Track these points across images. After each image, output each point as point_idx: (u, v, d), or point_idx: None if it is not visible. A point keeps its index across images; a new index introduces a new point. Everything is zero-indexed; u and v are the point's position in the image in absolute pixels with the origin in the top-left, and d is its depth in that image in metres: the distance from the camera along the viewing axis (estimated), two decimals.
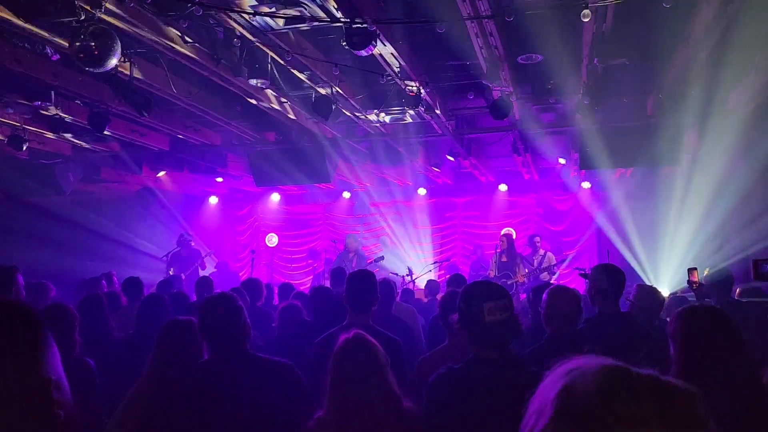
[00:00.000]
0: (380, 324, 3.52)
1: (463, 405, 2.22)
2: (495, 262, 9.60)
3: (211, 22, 4.90)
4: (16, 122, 7.44)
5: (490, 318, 2.22)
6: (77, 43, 4.21)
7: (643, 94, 7.07)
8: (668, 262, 9.92)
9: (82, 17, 4.15)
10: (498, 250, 9.63)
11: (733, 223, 9.81)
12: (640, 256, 10.17)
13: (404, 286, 8.92)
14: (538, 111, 7.66)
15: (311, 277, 12.17)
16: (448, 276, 9.70)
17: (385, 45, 4.93)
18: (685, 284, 5.11)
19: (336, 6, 4.35)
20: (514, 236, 10.89)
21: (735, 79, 6.26)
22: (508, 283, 8.92)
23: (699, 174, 10.12)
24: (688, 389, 0.71)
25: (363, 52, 4.69)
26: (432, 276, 10.57)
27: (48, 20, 4.60)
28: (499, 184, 11.60)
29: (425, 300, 7.10)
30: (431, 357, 3.26)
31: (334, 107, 6.55)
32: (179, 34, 4.87)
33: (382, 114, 7.42)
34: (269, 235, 13.21)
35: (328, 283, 7.83)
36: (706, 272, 4.81)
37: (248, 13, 4.41)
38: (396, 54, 5.21)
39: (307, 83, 6.11)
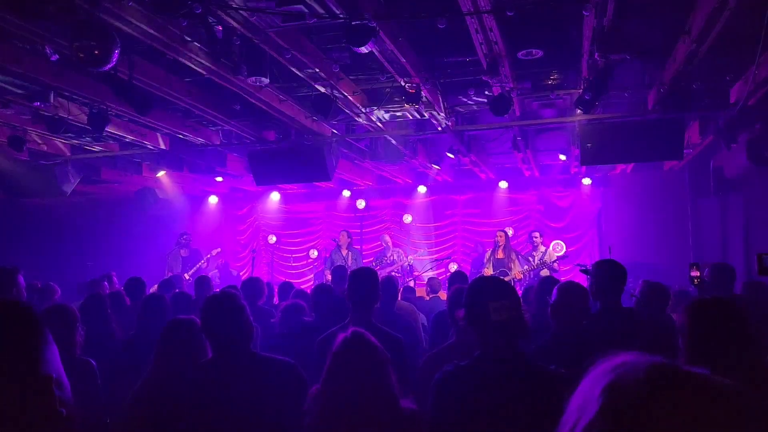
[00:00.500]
0: (383, 322, 3.51)
1: (470, 402, 2.20)
2: (489, 259, 9.60)
3: (211, 20, 4.88)
4: (16, 123, 7.44)
5: (496, 317, 2.20)
6: (76, 43, 4.20)
7: (643, 89, 7.05)
8: (670, 258, 9.92)
9: (82, 17, 4.14)
10: (493, 247, 9.65)
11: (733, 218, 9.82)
12: (642, 251, 10.17)
13: (405, 284, 8.93)
14: (539, 107, 7.64)
15: (312, 275, 12.18)
16: (448, 274, 9.71)
17: (384, 42, 4.92)
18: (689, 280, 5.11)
19: (335, 3, 4.33)
20: (510, 233, 10.91)
21: (736, 72, 6.26)
22: (505, 279, 8.91)
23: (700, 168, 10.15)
24: (737, 388, 0.69)
25: (362, 49, 4.68)
26: (432, 274, 10.58)
27: (47, 19, 4.59)
28: (500, 180, 11.60)
29: (427, 298, 7.09)
30: (439, 354, 3.26)
31: (333, 105, 6.54)
32: (178, 32, 4.85)
33: (382, 111, 7.40)
34: (270, 235, 13.21)
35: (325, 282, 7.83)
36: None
37: (247, 10, 4.39)
38: (395, 51, 5.19)
39: (306, 81, 6.09)
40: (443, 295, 7.05)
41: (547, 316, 3.37)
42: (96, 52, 4.17)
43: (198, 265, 10.04)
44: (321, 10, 4.43)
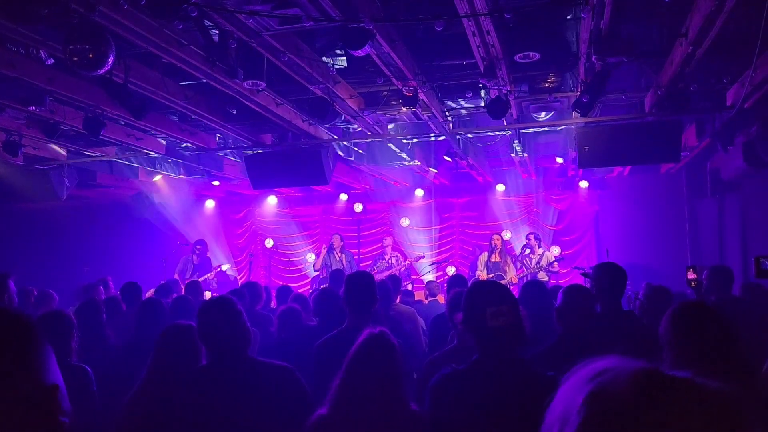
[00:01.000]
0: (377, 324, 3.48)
1: (466, 406, 2.19)
2: (484, 262, 9.59)
3: (206, 23, 4.86)
4: (11, 127, 7.40)
5: (493, 323, 2.19)
6: (71, 47, 4.18)
7: (640, 92, 7.06)
8: (667, 260, 9.93)
9: (76, 20, 4.12)
10: (488, 250, 9.64)
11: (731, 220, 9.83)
12: (639, 254, 10.17)
13: (403, 288, 8.91)
14: (536, 109, 7.64)
15: (309, 279, 12.14)
16: (446, 277, 9.70)
17: (381, 45, 4.91)
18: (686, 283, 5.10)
19: (332, 5, 4.32)
20: (508, 236, 10.91)
21: (733, 75, 6.26)
22: (502, 283, 8.89)
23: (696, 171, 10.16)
24: (726, 391, 0.68)
25: (359, 52, 4.66)
26: (431, 277, 10.56)
27: (41, 23, 4.56)
28: (497, 183, 11.59)
29: (426, 302, 7.07)
30: (440, 357, 3.25)
31: (330, 109, 6.52)
32: (174, 36, 4.83)
33: (379, 115, 7.39)
34: (267, 239, 13.17)
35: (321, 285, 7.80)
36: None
37: (243, 13, 4.37)
38: (392, 54, 5.18)
39: (303, 84, 6.07)
40: (442, 298, 7.02)
41: (538, 322, 3.37)
42: (90, 55, 4.15)
43: (205, 277, 10.03)
44: (317, 13, 4.41)
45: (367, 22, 4.38)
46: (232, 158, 9.94)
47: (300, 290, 9.34)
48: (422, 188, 12.04)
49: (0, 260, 8.96)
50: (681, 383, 0.68)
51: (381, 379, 2.23)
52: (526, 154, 9.11)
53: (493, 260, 9.55)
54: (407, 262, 10.76)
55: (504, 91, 6.09)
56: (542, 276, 9.38)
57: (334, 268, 9.34)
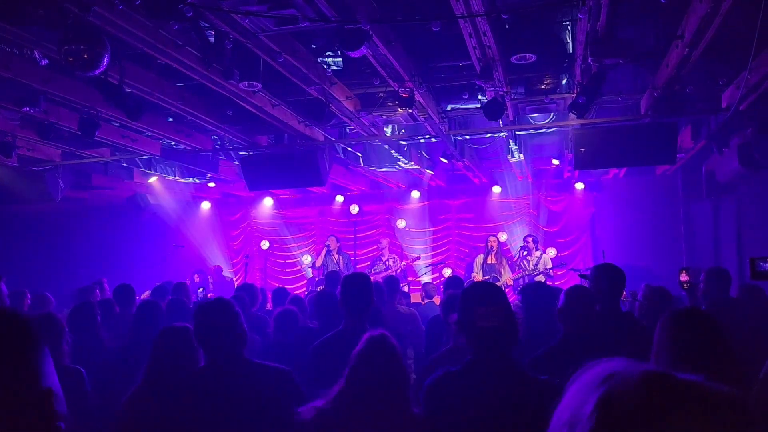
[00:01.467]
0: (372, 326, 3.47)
1: (459, 408, 2.20)
2: (480, 264, 9.59)
3: (202, 24, 4.84)
4: (5, 128, 7.36)
5: (482, 324, 2.20)
6: (66, 47, 4.16)
7: (636, 93, 7.07)
8: (663, 262, 9.94)
9: (71, 21, 4.09)
10: (484, 252, 9.65)
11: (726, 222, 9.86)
12: (635, 255, 10.19)
13: (400, 289, 8.89)
14: (532, 111, 7.65)
15: (305, 281, 12.12)
16: (443, 279, 9.69)
17: (377, 46, 4.90)
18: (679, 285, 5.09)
19: (328, 6, 4.31)
20: (504, 238, 10.91)
21: (729, 77, 6.28)
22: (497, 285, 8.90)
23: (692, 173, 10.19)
24: (737, 395, 0.67)
25: (356, 53, 4.66)
26: (428, 279, 10.56)
27: (36, 24, 4.54)
28: (493, 185, 11.60)
29: (423, 303, 7.06)
30: (437, 359, 3.26)
31: (326, 110, 6.51)
32: (170, 37, 4.81)
33: (375, 116, 7.38)
34: (263, 241, 13.15)
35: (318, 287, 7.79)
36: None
37: (239, 14, 4.36)
38: (389, 55, 5.17)
39: (299, 86, 6.06)
40: (438, 300, 7.01)
41: (534, 323, 3.36)
42: (85, 56, 4.13)
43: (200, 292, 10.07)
44: (313, 14, 4.40)
45: (364, 23, 4.38)
46: (228, 159, 9.92)
47: (296, 292, 9.33)
48: (418, 190, 12.03)
49: None
50: (693, 387, 0.67)
51: (383, 381, 2.24)
52: (522, 156, 9.12)
53: (488, 262, 9.56)
54: (404, 263, 10.76)
55: (500, 93, 6.09)
56: (540, 278, 9.38)
57: (330, 269, 9.33)
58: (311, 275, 11.29)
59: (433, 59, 6.14)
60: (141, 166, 9.66)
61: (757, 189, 8.66)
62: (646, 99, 6.90)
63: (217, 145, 9.03)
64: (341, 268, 9.84)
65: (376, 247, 11.58)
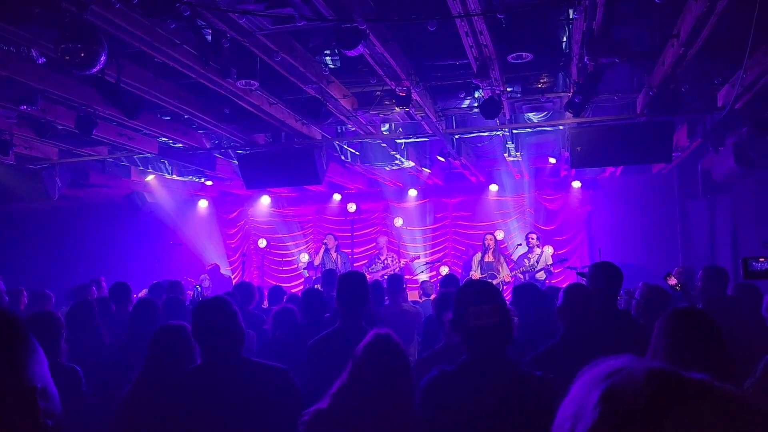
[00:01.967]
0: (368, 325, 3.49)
1: (455, 407, 2.20)
2: (477, 262, 9.62)
3: (199, 23, 4.85)
4: (2, 127, 7.35)
5: (476, 322, 2.19)
6: (63, 46, 4.16)
7: (632, 92, 7.10)
8: (659, 260, 9.97)
9: (68, 19, 4.10)
10: (482, 250, 9.67)
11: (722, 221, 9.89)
12: (631, 253, 10.22)
13: None
14: (529, 110, 7.67)
15: (302, 280, 12.13)
16: (440, 277, 9.71)
17: (374, 45, 4.91)
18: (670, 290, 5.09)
19: (325, 5, 4.32)
20: (501, 236, 10.94)
21: (724, 76, 6.31)
22: (494, 283, 8.94)
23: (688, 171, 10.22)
24: (741, 394, 0.68)
25: (353, 52, 4.67)
26: (425, 277, 10.58)
27: (33, 22, 4.54)
28: (490, 184, 11.62)
29: (421, 301, 7.09)
30: (428, 359, 3.24)
31: (323, 108, 6.52)
32: (167, 35, 4.82)
33: (372, 115, 7.39)
34: (260, 239, 13.15)
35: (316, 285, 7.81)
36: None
37: (236, 12, 4.36)
38: (386, 54, 5.18)
39: (296, 84, 6.07)
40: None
41: (526, 323, 3.37)
42: (83, 54, 4.13)
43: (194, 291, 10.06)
44: (310, 13, 4.41)
45: (361, 22, 4.39)
46: (225, 158, 9.91)
47: (293, 290, 9.35)
48: (415, 188, 12.05)
49: None
50: (698, 385, 0.68)
51: (389, 379, 2.23)
52: (518, 155, 9.14)
53: (486, 260, 9.58)
54: (403, 262, 10.77)
55: (497, 92, 6.11)
56: (541, 276, 9.41)
57: (327, 268, 9.34)
58: (308, 274, 11.29)
59: (430, 58, 6.15)
60: (138, 164, 9.66)
61: (753, 187, 8.70)
62: (642, 98, 6.92)
63: (215, 143, 9.03)
64: (339, 266, 9.85)
65: (373, 245, 11.59)
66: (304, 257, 12.33)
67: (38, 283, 7.26)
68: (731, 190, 9.46)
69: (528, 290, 4.10)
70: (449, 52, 5.90)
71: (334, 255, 10.22)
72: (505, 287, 9.12)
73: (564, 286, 3.52)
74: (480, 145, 9.72)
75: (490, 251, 9.59)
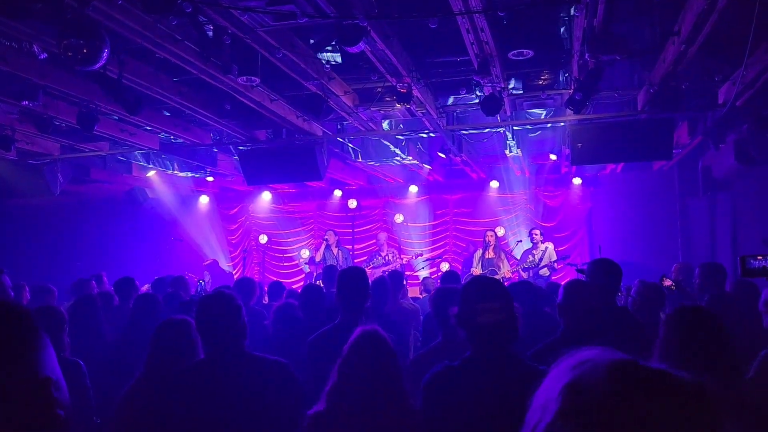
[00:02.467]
0: (373, 322, 3.50)
1: (459, 402, 2.20)
2: (478, 259, 9.63)
3: (201, 19, 4.85)
4: (4, 122, 7.37)
5: (482, 319, 2.20)
6: (65, 42, 4.16)
7: (633, 89, 7.10)
8: (659, 257, 9.98)
9: (70, 15, 4.10)
10: (483, 247, 9.69)
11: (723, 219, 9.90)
12: (631, 251, 10.23)
13: None
14: (530, 107, 7.67)
15: (303, 276, 12.15)
16: (440, 273, 9.73)
17: (375, 41, 4.92)
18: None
19: (326, 2, 4.32)
20: (501, 233, 10.95)
21: (725, 73, 6.31)
22: (498, 280, 8.94)
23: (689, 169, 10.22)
24: (699, 384, 0.69)
25: (354, 49, 4.67)
26: (425, 273, 10.60)
27: (35, 18, 4.55)
28: (491, 180, 11.62)
29: (421, 297, 7.11)
30: (424, 355, 3.24)
31: (324, 105, 6.53)
32: (168, 31, 4.83)
33: (373, 111, 7.40)
34: (261, 235, 13.17)
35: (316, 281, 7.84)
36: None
37: (238, 9, 4.37)
38: (387, 50, 5.19)
39: (297, 81, 6.07)
40: None
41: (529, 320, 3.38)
42: (85, 50, 4.13)
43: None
44: (312, 10, 4.42)
45: (362, 18, 4.39)
46: (226, 154, 9.92)
47: (293, 286, 9.37)
48: (416, 184, 12.06)
49: None
50: (655, 375, 0.70)
51: (376, 375, 2.25)
52: (519, 151, 9.15)
53: (487, 257, 9.60)
54: (405, 259, 10.78)
55: (498, 88, 6.11)
56: (544, 272, 9.42)
57: (328, 264, 9.36)
58: (308, 270, 11.30)
59: (430, 55, 6.15)
60: (140, 160, 9.67)
61: (753, 185, 8.70)
62: (643, 95, 6.93)
63: (216, 139, 9.05)
64: (340, 262, 9.87)
65: (374, 241, 11.61)
66: (305, 253, 12.35)
67: (40, 278, 7.28)
68: (732, 187, 9.46)
69: (525, 288, 4.11)
70: (450, 48, 5.91)
71: (335, 251, 10.23)
72: (506, 283, 9.13)
73: (564, 282, 3.53)
74: (481, 141, 9.72)
75: (491, 248, 9.61)
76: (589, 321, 3.12)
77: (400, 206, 12.51)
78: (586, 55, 5.09)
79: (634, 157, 8.25)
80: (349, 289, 3.44)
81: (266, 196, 12.96)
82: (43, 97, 6.51)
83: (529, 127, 8.60)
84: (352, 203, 12.36)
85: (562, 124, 8.07)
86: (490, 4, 4.44)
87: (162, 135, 8.65)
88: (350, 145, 9.29)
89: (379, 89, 6.75)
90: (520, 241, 10.61)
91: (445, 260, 11.76)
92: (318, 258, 10.38)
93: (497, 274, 9.24)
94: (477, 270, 9.44)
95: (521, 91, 6.91)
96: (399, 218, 12.30)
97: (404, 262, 10.67)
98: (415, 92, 6.17)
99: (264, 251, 13.06)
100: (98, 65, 4.32)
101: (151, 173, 10.43)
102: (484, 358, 2.24)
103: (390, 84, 6.18)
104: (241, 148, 8.96)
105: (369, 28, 4.54)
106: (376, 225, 12.65)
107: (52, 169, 9.13)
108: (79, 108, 6.73)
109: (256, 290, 5.73)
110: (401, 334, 3.90)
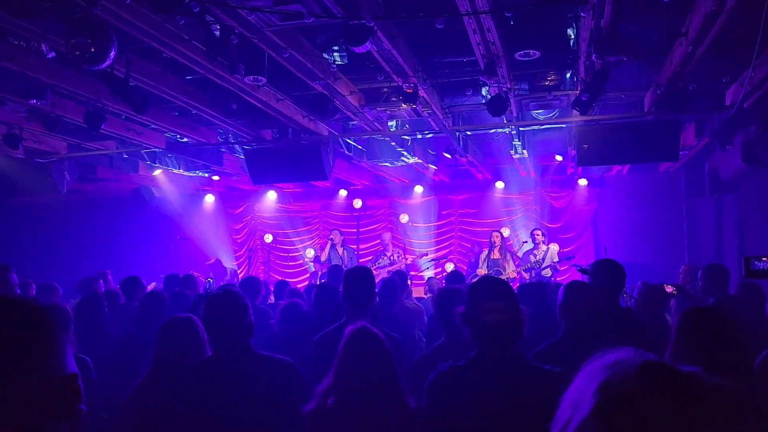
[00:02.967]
0: (381, 322, 3.50)
1: (465, 402, 2.20)
2: (484, 260, 9.63)
3: (208, 18, 4.87)
4: (12, 121, 7.41)
5: (488, 319, 2.21)
6: (73, 41, 4.19)
7: (640, 90, 7.07)
8: (665, 259, 9.95)
9: (78, 14, 4.13)
10: (488, 247, 9.68)
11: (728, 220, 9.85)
12: (637, 252, 10.20)
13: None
14: (536, 107, 7.66)
15: (308, 275, 12.17)
16: (445, 273, 9.73)
17: (382, 41, 4.92)
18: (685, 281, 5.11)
19: (333, 2, 4.33)
20: (507, 234, 10.94)
21: (732, 75, 6.28)
22: (504, 280, 8.93)
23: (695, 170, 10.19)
24: (731, 388, 0.70)
25: (360, 49, 4.68)
26: (430, 273, 10.59)
27: (43, 17, 4.57)
28: (496, 181, 11.61)
29: (426, 297, 7.11)
30: (428, 355, 3.25)
31: (330, 105, 6.53)
32: (176, 31, 4.84)
33: (379, 111, 7.40)
34: (266, 234, 13.20)
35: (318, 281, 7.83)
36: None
37: (245, 9, 4.38)
38: (393, 51, 5.20)
39: (304, 80, 6.08)
40: None
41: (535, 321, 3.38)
42: (92, 49, 4.15)
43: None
44: (319, 10, 4.43)
45: (369, 18, 4.40)
46: (232, 153, 9.95)
47: (298, 285, 9.38)
48: (422, 185, 12.05)
49: (0, 253, 8.97)
50: (688, 377, 0.71)
51: (371, 373, 2.25)
52: (525, 152, 9.13)
53: (492, 257, 9.59)
54: (410, 259, 10.78)
55: (504, 89, 6.11)
56: (546, 273, 9.40)
57: (333, 263, 9.37)
58: (314, 269, 11.31)
59: (437, 55, 6.15)
60: (146, 159, 9.71)
61: (760, 187, 8.65)
62: (650, 96, 6.91)
63: (222, 138, 9.07)
64: (345, 262, 9.87)
65: (379, 241, 11.62)
66: (310, 253, 12.37)
67: (46, 276, 7.32)
68: (738, 189, 9.41)
69: (530, 289, 4.11)
70: (456, 49, 5.90)
71: (341, 250, 10.24)
72: (515, 284, 9.12)
73: (564, 283, 3.52)
74: (487, 142, 9.71)
75: (497, 248, 9.60)
76: (590, 322, 3.11)
77: (405, 206, 12.52)
78: (593, 55, 5.08)
79: (640, 159, 8.22)
80: (355, 289, 3.45)
81: (272, 196, 12.98)
82: (51, 96, 6.54)
83: (535, 127, 8.58)
84: (358, 203, 12.37)
85: (567, 125, 8.05)
86: (497, 4, 4.44)
87: (168, 134, 8.68)
88: (356, 144, 9.30)
89: (385, 89, 6.75)
90: (526, 241, 10.58)
91: (450, 260, 11.76)
92: (323, 257, 10.39)
93: (502, 274, 9.23)
94: (482, 270, 9.43)
95: (528, 92, 6.89)
96: (404, 218, 12.30)
97: (409, 262, 10.66)
98: (421, 92, 6.17)
99: (269, 250, 13.09)
100: (106, 64, 4.35)
101: (158, 172, 10.46)
102: (489, 358, 2.24)
103: (396, 84, 6.18)
104: (247, 147, 8.98)
105: (376, 28, 4.55)
106: (381, 225, 12.65)
107: (59, 167, 9.17)
108: (87, 107, 6.76)
109: (261, 289, 5.74)
110: (405, 334, 3.91)
